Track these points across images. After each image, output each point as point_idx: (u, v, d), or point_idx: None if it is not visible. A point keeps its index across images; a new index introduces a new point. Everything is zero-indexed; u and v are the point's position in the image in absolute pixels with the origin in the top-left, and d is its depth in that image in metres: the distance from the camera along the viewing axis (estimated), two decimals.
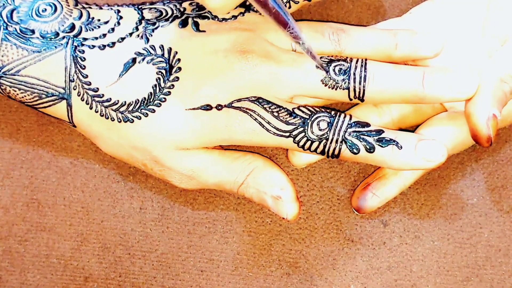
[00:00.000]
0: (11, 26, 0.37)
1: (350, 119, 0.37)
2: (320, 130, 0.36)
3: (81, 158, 0.42)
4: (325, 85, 0.37)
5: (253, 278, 0.40)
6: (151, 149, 0.37)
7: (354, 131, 0.36)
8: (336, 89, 0.37)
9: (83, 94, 0.37)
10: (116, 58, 0.37)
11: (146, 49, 0.37)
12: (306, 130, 0.36)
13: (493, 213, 0.40)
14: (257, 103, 0.36)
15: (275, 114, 0.36)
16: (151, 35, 0.37)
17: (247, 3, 0.39)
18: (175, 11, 0.38)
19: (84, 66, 0.37)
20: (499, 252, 0.40)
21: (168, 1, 0.39)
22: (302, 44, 0.36)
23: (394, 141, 0.36)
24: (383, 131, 0.36)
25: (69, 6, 0.38)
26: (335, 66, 0.37)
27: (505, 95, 0.37)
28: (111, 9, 0.39)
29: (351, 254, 0.40)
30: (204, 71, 0.36)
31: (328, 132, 0.36)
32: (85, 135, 0.39)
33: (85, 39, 0.37)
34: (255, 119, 0.36)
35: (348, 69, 0.37)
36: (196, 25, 0.38)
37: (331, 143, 0.36)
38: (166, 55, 0.37)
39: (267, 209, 0.40)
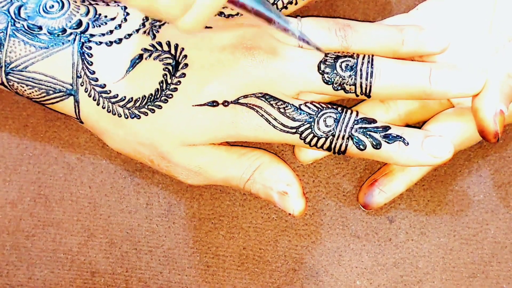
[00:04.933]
0: (19, 22, 0.37)
1: (357, 115, 0.37)
2: (327, 126, 0.36)
3: (88, 154, 0.42)
4: (332, 82, 0.37)
5: (259, 274, 0.40)
6: (158, 145, 0.37)
7: (360, 128, 0.36)
8: (342, 85, 0.37)
9: (90, 90, 0.37)
10: (123, 55, 0.37)
11: (152, 45, 0.37)
12: (312, 127, 0.36)
13: (500, 210, 0.40)
14: (264, 99, 0.36)
15: (282, 110, 0.36)
16: (158, 32, 0.37)
17: None
18: None
19: (91, 62, 0.37)
20: (505, 248, 0.40)
21: None
22: (293, 34, 0.35)
23: (401, 137, 0.36)
24: (390, 128, 0.36)
25: (76, 2, 0.38)
26: (341, 62, 0.37)
27: None
28: (118, 5, 0.39)
29: (357, 250, 0.40)
30: (211, 67, 0.36)
31: (335, 129, 0.36)
32: (92, 131, 0.39)
33: (92, 35, 0.37)
34: (262, 115, 0.36)
35: (354, 65, 0.37)
36: None
37: (337, 139, 0.36)
38: (172, 51, 0.37)
39: (273, 205, 0.40)
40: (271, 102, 0.36)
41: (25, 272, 0.41)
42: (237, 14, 0.38)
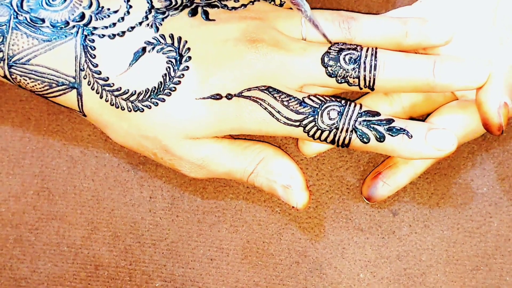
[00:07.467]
0: (21, 15, 0.37)
1: (361, 108, 0.37)
2: (330, 119, 0.36)
3: (91, 147, 0.42)
4: (335, 75, 0.37)
5: (263, 267, 0.40)
6: (161, 138, 0.37)
7: (364, 120, 0.36)
8: (346, 78, 0.37)
9: (93, 83, 0.37)
10: (126, 47, 0.37)
11: (156, 38, 0.37)
12: (316, 120, 0.36)
13: (503, 203, 0.40)
14: (267, 92, 0.36)
15: (285, 103, 0.36)
16: (161, 24, 0.37)
17: None
18: (184, 0, 0.38)
19: (94, 55, 0.37)
20: (509, 241, 0.40)
21: None
22: (305, 12, 0.35)
23: (404, 130, 0.36)
24: (393, 120, 0.36)
25: None
26: (345, 55, 0.37)
27: None
28: None
29: (361, 243, 0.40)
30: (214, 60, 0.36)
31: (338, 122, 0.36)
32: (95, 124, 0.39)
33: (95, 28, 0.37)
34: (265, 109, 0.36)
35: (358, 58, 0.36)
36: (206, 14, 0.38)
37: (341, 132, 0.36)
38: (176, 44, 0.37)
39: (276, 198, 0.40)
40: (275, 95, 0.36)
41: (28, 265, 0.41)
42: (241, 7, 0.38)
